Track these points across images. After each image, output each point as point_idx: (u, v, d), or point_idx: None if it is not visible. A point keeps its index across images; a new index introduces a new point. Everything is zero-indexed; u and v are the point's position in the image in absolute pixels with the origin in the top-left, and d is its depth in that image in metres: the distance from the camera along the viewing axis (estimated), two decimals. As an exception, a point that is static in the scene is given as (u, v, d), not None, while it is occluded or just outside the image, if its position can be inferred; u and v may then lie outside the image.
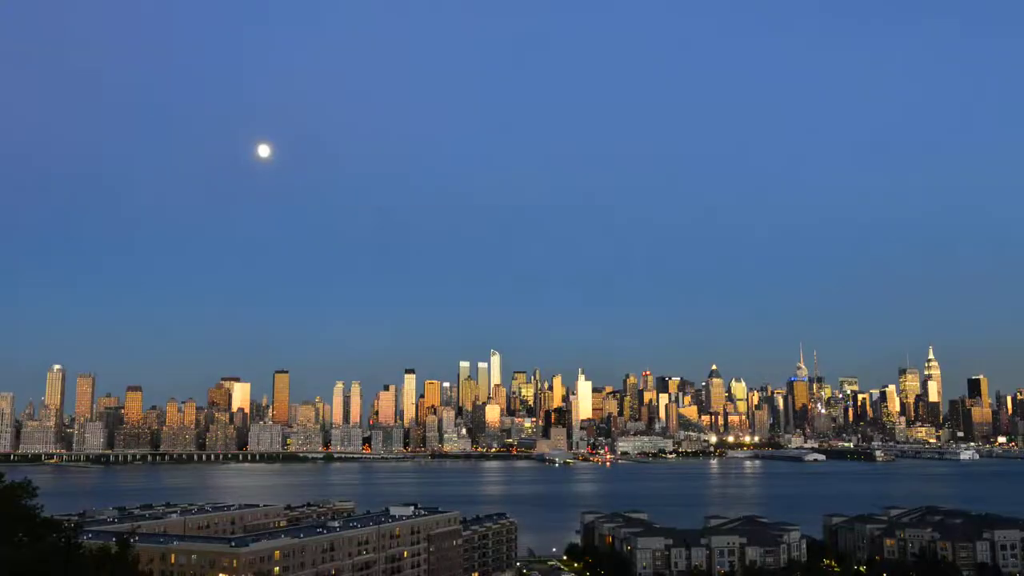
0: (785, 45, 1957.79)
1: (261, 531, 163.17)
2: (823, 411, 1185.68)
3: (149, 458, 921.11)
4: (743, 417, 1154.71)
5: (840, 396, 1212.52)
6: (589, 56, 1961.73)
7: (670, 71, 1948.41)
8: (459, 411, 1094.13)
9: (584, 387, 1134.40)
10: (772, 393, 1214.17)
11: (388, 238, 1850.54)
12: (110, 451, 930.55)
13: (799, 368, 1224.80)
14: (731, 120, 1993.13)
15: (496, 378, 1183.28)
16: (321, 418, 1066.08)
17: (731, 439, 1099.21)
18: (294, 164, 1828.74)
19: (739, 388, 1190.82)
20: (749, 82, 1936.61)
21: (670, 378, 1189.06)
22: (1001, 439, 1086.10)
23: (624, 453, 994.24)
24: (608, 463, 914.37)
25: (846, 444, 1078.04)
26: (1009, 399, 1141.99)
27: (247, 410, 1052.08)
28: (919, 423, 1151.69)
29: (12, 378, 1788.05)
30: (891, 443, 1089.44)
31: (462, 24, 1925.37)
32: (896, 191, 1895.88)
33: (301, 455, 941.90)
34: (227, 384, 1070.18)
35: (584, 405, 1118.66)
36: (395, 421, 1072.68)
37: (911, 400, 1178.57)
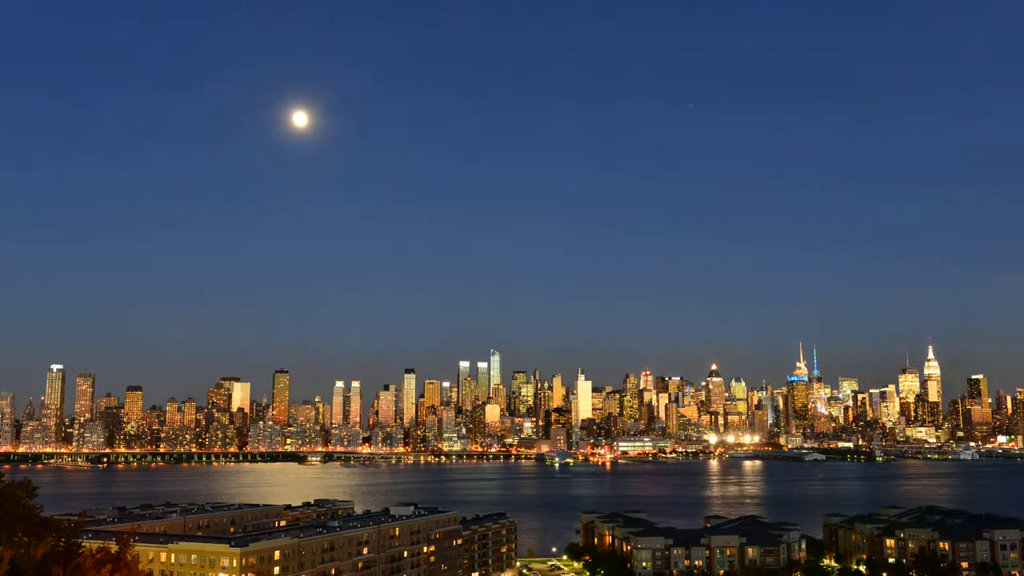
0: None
1: (261, 531, 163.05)
2: (823, 411, 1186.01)
3: (149, 458, 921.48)
4: (743, 417, 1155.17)
5: (840, 396, 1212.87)
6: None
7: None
8: (459, 411, 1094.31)
9: (584, 387, 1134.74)
10: (772, 393, 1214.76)
11: (387, 238, 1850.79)
12: (110, 451, 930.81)
13: (799, 368, 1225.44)
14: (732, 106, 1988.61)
15: (496, 378, 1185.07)
16: (321, 418, 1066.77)
17: (731, 439, 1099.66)
18: (306, 155, 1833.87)
19: (739, 388, 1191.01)
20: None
21: (670, 378, 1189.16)
22: (1001, 439, 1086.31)
23: (624, 453, 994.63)
24: (608, 463, 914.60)
25: (846, 444, 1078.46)
26: (1009, 399, 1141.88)
27: (247, 410, 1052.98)
28: (919, 423, 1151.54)
29: (12, 378, 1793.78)
30: (891, 443, 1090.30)
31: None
32: (894, 191, 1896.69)
33: (301, 455, 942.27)
34: (227, 384, 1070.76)
35: (584, 405, 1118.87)
36: (395, 421, 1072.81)
37: (911, 400, 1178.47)
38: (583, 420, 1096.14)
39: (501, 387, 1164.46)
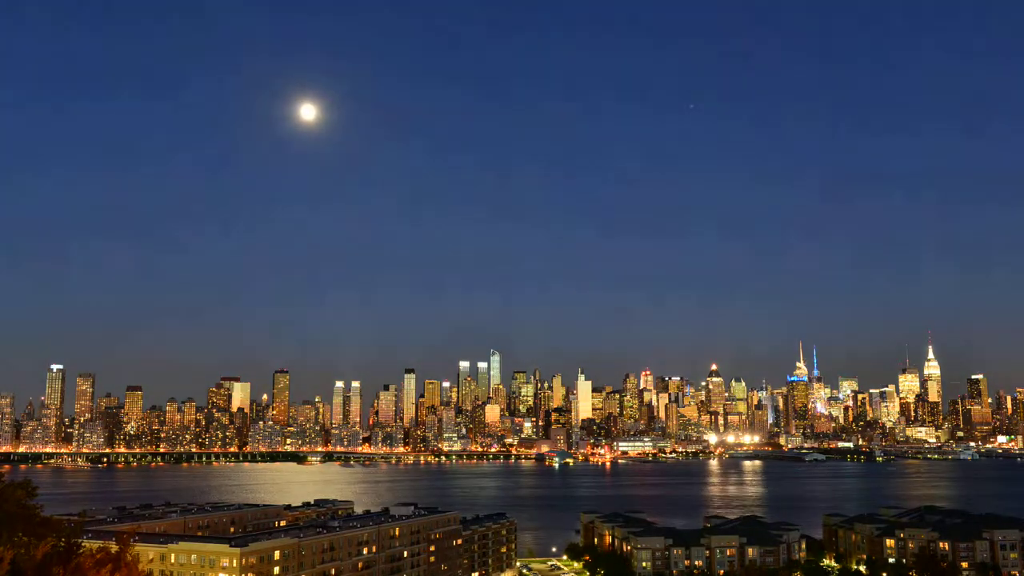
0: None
1: (261, 531, 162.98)
2: (823, 411, 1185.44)
3: (149, 458, 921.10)
4: (743, 417, 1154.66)
5: (840, 396, 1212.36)
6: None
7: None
8: (459, 411, 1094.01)
9: (584, 387, 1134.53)
10: (772, 393, 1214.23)
11: (388, 238, 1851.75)
12: (110, 451, 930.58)
13: (799, 368, 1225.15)
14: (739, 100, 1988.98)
15: (496, 378, 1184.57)
16: (321, 418, 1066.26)
17: (731, 439, 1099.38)
18: (306, 155, 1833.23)
19: (739, 388, 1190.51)
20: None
21: (670, 378, 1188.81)
22: (1001, 439, 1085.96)
23: (624, 453, 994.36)
24: (608, 463, 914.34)
25: (846, 444, 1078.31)
26: (1009, 399, 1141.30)
27: (247, 410, 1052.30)
28: (919, 423, 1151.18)
29: (12, 378, 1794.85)
30: (891, 443, 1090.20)
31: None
32: (894, 191, 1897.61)
33: (301, 455, 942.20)
34: (227, 384, 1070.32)
35: (584, 405, 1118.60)
36: (395, 421, 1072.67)
37: (911, 400, 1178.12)
38: (583, 420, 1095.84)
39: (501, 387, 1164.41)
